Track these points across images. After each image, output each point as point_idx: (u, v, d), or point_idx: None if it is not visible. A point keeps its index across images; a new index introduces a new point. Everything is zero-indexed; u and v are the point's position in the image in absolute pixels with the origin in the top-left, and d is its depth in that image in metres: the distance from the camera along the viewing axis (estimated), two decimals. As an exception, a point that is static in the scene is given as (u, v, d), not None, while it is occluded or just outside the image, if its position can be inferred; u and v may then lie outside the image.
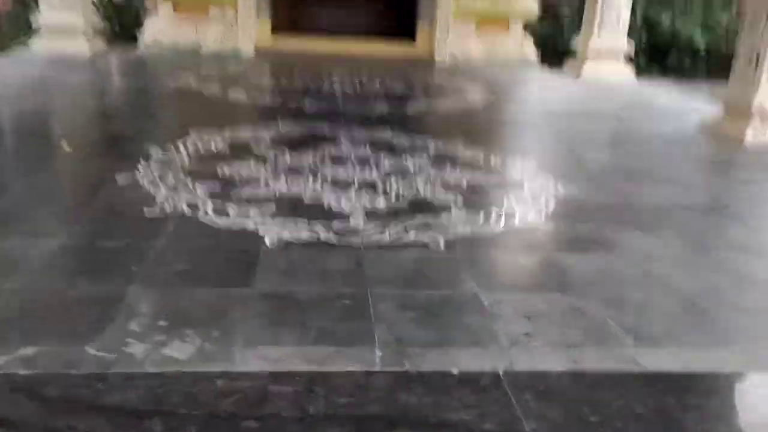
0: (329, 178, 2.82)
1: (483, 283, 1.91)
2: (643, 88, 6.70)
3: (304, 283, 1.84)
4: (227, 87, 4.94)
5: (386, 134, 3.70)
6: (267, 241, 2.13)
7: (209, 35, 7.00)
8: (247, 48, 6.97)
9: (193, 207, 2.37)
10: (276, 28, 7.44)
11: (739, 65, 4.25)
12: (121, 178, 2.63)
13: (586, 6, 6.81)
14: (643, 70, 7.79)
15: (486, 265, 2.08)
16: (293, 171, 2.88)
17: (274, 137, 3.48)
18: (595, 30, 6.56)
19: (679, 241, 2.38)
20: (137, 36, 7.05)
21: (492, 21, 7.39)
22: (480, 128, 4.30)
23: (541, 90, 6.03)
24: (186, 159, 2.97)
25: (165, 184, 2.60)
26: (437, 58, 7.19)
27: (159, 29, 7.00)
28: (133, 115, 3.96)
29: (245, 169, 2.87)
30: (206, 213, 2.32)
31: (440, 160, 3.22)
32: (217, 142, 3.31)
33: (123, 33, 8.03)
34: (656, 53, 9.27)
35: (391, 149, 3.38)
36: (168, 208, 2.35)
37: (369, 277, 1.92)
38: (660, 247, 2.31)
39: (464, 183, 2.87)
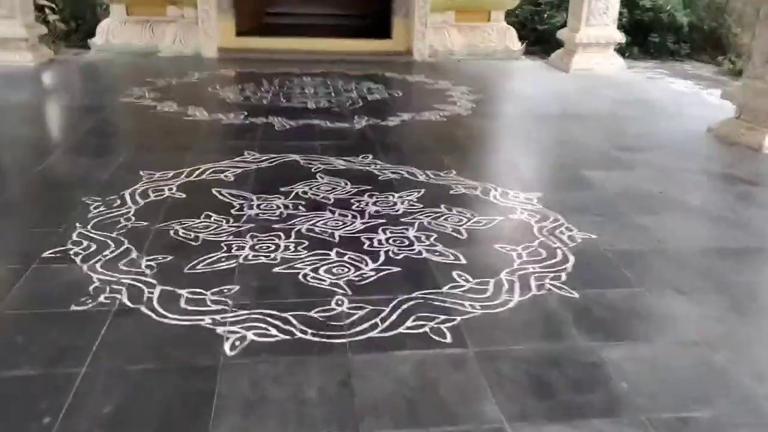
0: (304, 233, 2.37)
1: (509, 402, 1.48)
2: (635, 77, 6.31)
3: (275, 425, 1.40)
4: (185, 101, 4.42)
5: (368, 162, 3.24)
6: (227, 346, 1.68)
7: (167, 37, 6.42)
8: (210, 50, 6.41)
9: (136, 293, 1.91)
10: (241, 28, 6.87)
11: (754, 63, 3.84)
12: (47, 253, 2.15)
13: (572, -5, 6.36)
14: (624, 50, 7.41)
15: (508, 368, 1.65)
16: (261, 225, 2.42)
17: (239, 174, 3.00)
18: (583, 20, 6.11)
19: (727, 307, 1.98)
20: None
21: (472, 11, 6.91)
22: (471, 144, 3.85)
23: (531, 87, 5.58)
24: (132, 215, 2.49)
25: (102, 257, 2.12)
26: (416, 53, 6.69)
27: (112, 31, 6.40)
28: (71, 150, 3.39)
29: (203, 226, 2.40)
30: (151, 304, 1.86)
31: (432, 197, 2.78)
32: (171, 185, 2.82)
33: (81, 30, 7.44)
34: (637, 32, 8.94)
35: (375, 184, 2.92)
36: (103, 298, 1.88)
37: (359, 404, 1.48)
38: (709, 321, 1.90)
39: (464, 232, 2.43)
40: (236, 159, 3.21)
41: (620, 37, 6.32)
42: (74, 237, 2.27)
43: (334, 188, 2.86)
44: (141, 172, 2.95)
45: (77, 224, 2.37)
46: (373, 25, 7.38)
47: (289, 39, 6.84)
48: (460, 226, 2.48)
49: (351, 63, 6.37)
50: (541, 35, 10.00)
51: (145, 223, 2.41)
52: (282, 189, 2.81)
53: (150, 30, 6.43)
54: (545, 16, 10.50)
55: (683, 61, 9.47)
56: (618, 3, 6.20)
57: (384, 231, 2.41)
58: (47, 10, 8.21)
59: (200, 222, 2.43)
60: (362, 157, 3.32)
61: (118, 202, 2.61)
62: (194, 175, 2.97)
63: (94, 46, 6.42)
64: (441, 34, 6.84)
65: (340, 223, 2.48)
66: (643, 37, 9.07)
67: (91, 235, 2.29)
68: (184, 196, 2.71)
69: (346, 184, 2.91)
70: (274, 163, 3.19)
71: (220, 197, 2.71)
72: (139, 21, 6.45)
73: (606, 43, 6.24)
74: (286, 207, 2.62)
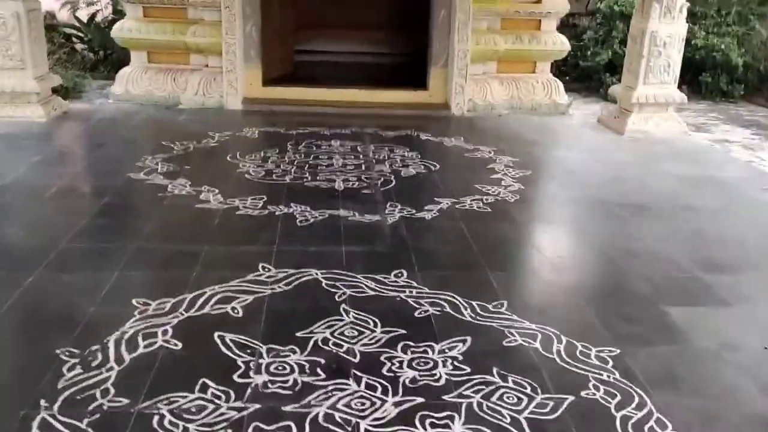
0: (321, 423, 1.87)
1: None
2: (699, 144, 5.70)
3: None
4: (200, 178, 3.99)
5: (401, 285, 2.73)
6: None
7: (189, 87, 6.03)
8: (234, 102, 6.00)
9: None
10: (268, 75, 6.46)
11: None
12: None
13: (628, 49, 5.80)
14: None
15: None
16: (268, 409, 1.93)
17: (249, 305, 2.52)
18: (641, 77, 5.54)
19: None
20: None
21: (516, 62, 6.39)
22: (522, 254, 3.33)
23: (583, 157, 5.01)
24: (111, 385, 2.01)
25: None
26: (454, 107, 6.20)
27: (132, 80, 6.03)
28: (57, 262, 2.88)
29: (196, 408, 1.91)
30: None
31: (482, 353, 2.26)
32: (166, 326, 2.35)
33: (110, 60, 7.14)
34: (688, 71, 8.36)
35: (411, 325, 2.42)
36: None
37: None
38: None
39: (524, 425, 1.91)
40: (248, 277, 2.74)
41: (681, 98, 5.73)
42: (35, 429, 1.80)
43: (360, 333, 2.35)
44: (134, 301, 2.49)
45: (42, 404, 1.90)
46: (410, 67, 6.91)
47: (318, 89, 6.39)
48: (520, 412, 1.96)
49: (384, 118, 5.91)
50: (583, 72, 9.44)
51: (126, 401, 1.93)
52: (298, 334, 2.32)
53: (172, 80, 6.05)
54: (589, 53, 9.95)
55: (737, 102, 8.89)
56: (680, 60, 5.62)
57: (423, 422, 1.89)
58: (75, 39, 7.98)
59: (194, 400, 1.95)
60: (395, 275, 2.82)
61: (99, 357, 2.14)
62: (196, 306, 2.49)
63: (112, 95, 6.06)
64: (481, 85, 6.33)
65: (367, 403, 1.97)
66: (694, 75, 8.52)
67: (57, 426, 1.82)
68: (179, 347, 2.23)
69: (376, 325, 2.41)
70: (291, 285, 2.70)
71: (223, 349, 2.22)
72: (160, 69, 6.08)
73: (665, 102, 5.66)
74: (301, 370, 2.12)
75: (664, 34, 5.44)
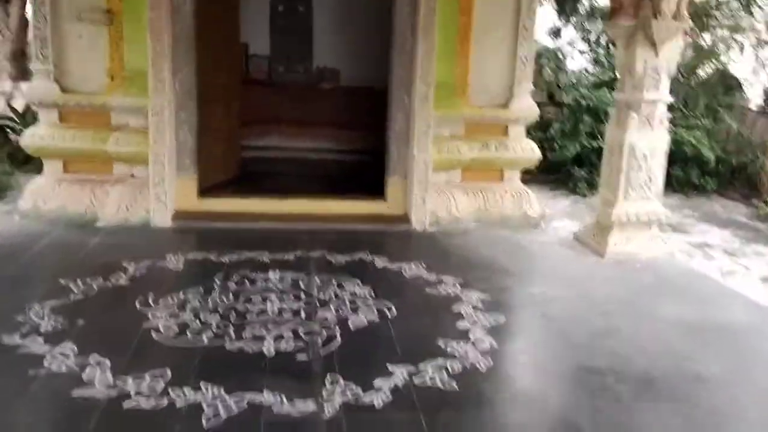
0: None
1: None
2: (690, 271, 5.08)
3: None
4: (90, 343, 3.15)
5: None
6: None
7: (110, 202, 5.23)
8: (161, 218, 5.21)
9: None
10: (205, 183, 5.73)
11: None
12: None
13: (604, 160, 5.24)
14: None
15: None
16: None
17: None
18: (620, 192, 4.96)
19: None
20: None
21: (482, 170, 5.79)
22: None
23: (568, 296, 4.25)
24: None
25: None
26: (414, 221, 5.52)
27: (43, 194, 5.23)
28: None
29: None
30: None
31: None
32: None
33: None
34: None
35: None
36: None
37: None
38: None
39: None
40: None
41: (665, 214, 5.15)
42: None
43: None
44: None
45: None
46: (370, 166, 6.28)
47: (262, 200, 5.66)
48: None
49: (337, 234, 5.20)
50: (551, 164, 9.03)
51: None
52: None
53: (91, 192, 5.25)
54: (556, 146, 9.55)
55: (709, 196, 8.50)
56: (662, 173, 5.07)
57: None
58: (8, 130, 7.22)
59: None
60: None
61: None
62: None
63: (19, 212, 5.23)
64: (445, 196, 5.69)
65: None
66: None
67: None
68: None
69: None
70: None
71: None
72: (77, 180, 5.29)
73: (648, 221, 5.06)
74: None
75: (645, 147, 4.90)
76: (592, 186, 8.93)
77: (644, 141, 4.90)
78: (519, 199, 5.85)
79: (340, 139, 7.79)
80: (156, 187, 5.15)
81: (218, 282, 4.06)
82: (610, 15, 4.98)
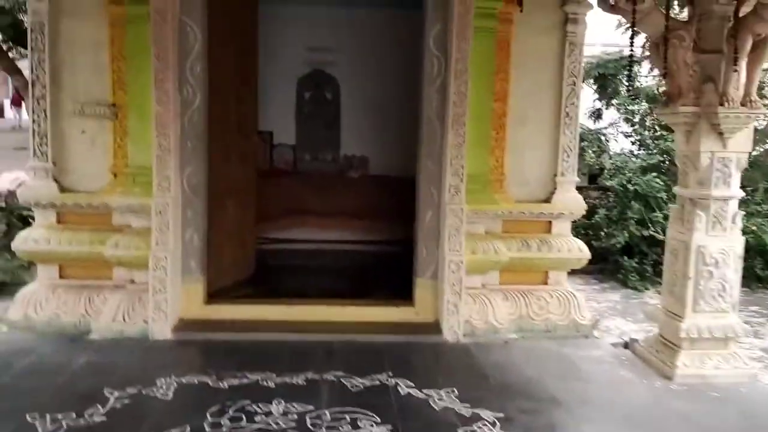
0: None
1: None
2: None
3: None
4: None
5: None
6: None
7: (106, 310, 4.71)
8: (161, 330, 4.65)
9: None
10: (214, 286, 5.20)
11: None
12: None
13: (666, 264, 4.52)
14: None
15: None
16: None
17: None
18: (689, 303, 4.22)
19: None
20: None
21: (523, 271, 5.13)
22: None
23: (630, 428, 3.50)
24: None
25: None
26: (446, 331, 4.83)
27: (35, 302, 4.74)
28: None
29: None
30: None
31: None
32: None
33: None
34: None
35: None
36: None
37: None
38: None
39: None
40: None
41: (744, 331, 4.36)
42: None
43: None
44: None
45: None
46: (397, 261, 5.67)
47: (274, 306, 5.07)
48: None
49: (357, 347, 4.55)
50: (597, 253, 8.33)
51: None
52: None
53: (86, 300, 4.76)
54: (602, 233, 8.82)
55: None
56: (739, 280, 4.31)
57: None
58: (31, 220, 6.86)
59: None
60: None
61: None
62: None
63: (7, 322, 4.74)
64: (481, 302, 5.01)
65: None
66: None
67: None
68: None
69: None
70: None
71: None
72: (73, 287, 4.81)
73: (724, 337, 4.27)
74: None
75: (716, 251, 4.18)
76: (644, 278, 8.18)
77: (715, 244, 4.19)
78: (566, 304, 5.13)
79: (368, 230, 7.29)
80: (156, 295, 4.62)
81: (210, 419, 3.42)
82: (665, 100, 4.39)
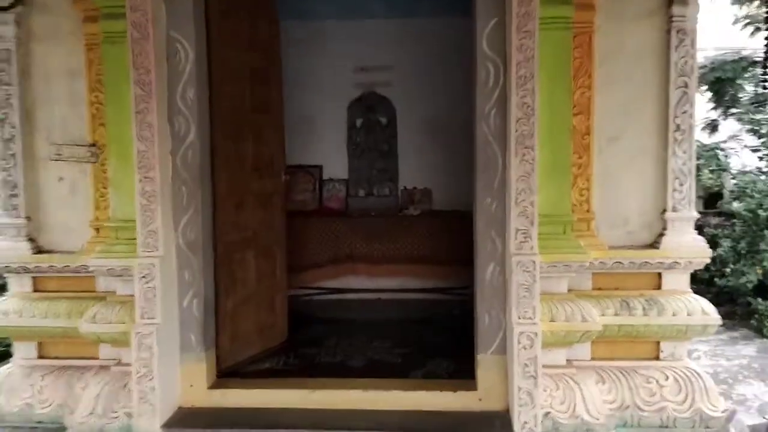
0: None
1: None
2: None
3: None
4: None
5: None
6: None
7: (86, 397, 3.80)
8: (149, 425, 3.66)
9: None
10: (227, 362, 4.21)
11: None
12: None
13: None
14: None
15: None
16: None
17: None
18: None
19: None
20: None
21: (624, 341, 3.77)
22: None
23: None
24: None
25: None
26: (517, 427, 3.55)
27: (7, 388, 3.91)
28: None
29: None
30: None
31: None
32: None
33: None
34: None
35: None
36: None
37: None
38: None
39: None
40: None
41: None
42: None
43: None
44: None
45: None
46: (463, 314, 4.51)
47: (300, 390, 3.98)
48: None
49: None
50: (722, 292, 6.87)
51: None
52: None
53: (66, 385, 3.86)
54: (728, 270, 7.25)
55: None
56: None
57: None
58: None
59: None
60: None
61: None
62: None
63: (-25, 412, 3.93)
64: (566, 386, 3.69)
65: None
66: None
67: None
68: None
69: None
70: None
71: None
72: (52, 369, 3.94)
73: None
74: None
75: None
76: None
77: None
78: (688, 387, 3.71)
79: (431, 275, 6.18)
80: (141, 382, 3.64)
81: None
82: None
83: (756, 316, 6.86)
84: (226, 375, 4.20)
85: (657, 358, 3.78)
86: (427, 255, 6.16)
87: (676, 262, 3.70)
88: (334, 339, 5.17)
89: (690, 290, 3.79)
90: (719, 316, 3.71)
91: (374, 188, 6.71)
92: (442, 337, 5.15)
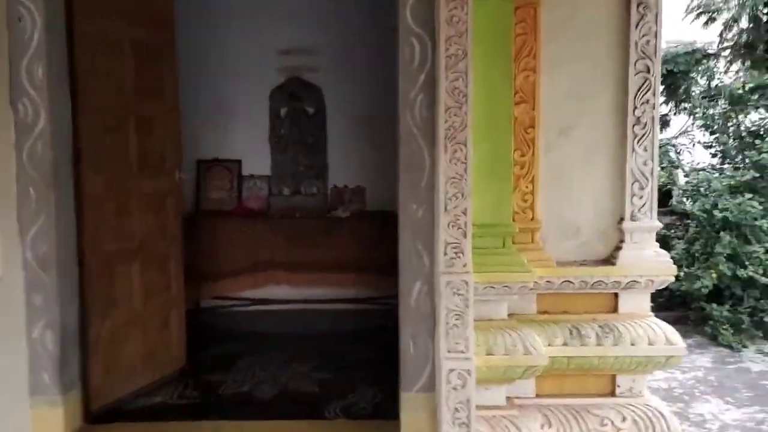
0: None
1: None
2: None
3: None
4: None
5: None
6: None
7: None
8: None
9: None
10: (108, 400, 3.45)
11: None
12: None
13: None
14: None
15: None
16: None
17: None
18: None
19: None
20: None
21: (575, 375, 3.16)
22: None
23: None
24: None
25: None
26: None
27: None
28: None
29: None
30: None
31: None
32: None
33: None
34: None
35: None
36: None
37: None
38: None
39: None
40: None
41: None
42: None
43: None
44: None
45: None
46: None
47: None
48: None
49: None
50: (675, 296, 6.52)
51: None
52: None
53: None
54: (682, 273, 6.82)
55: None
56: None
57: None
58: None
59: None
60: None
61: None
62: None
63: None
64: (503, 428, 3.05)
65: None
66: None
67: None
68: None
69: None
70: None
71: None
72: None
73: None
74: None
75: None
76: (740, 330, 6.26)
77: None
78: (648, 428, 3.12)
79: (364, 283, 5.47)
80: (-30, 438, 2.84)
81: None
82: None
83: (710, 322, 6.48)
84: (100, 417, 3.44)
85: (612, 393, 3.18)
86: (358, 261, 5.46)
87: (635, 281, 3.10)
88: (246, 360, 4.49)
89: (651, 313, 3.20)
90: (684, 345, 3.13)
91: (300, 186, 5.97)
92: (372, 354, 4.56)
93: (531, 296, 3.13)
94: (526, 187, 3.10)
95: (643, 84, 3.06)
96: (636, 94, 3.06)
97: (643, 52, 3.05)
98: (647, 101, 3.05)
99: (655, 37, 3.05)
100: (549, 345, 3.06)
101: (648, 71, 3.05)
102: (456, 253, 2.90)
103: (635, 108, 3.06)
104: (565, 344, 3.07)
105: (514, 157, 3.05)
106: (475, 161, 2.90)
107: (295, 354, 4.65)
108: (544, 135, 3.11)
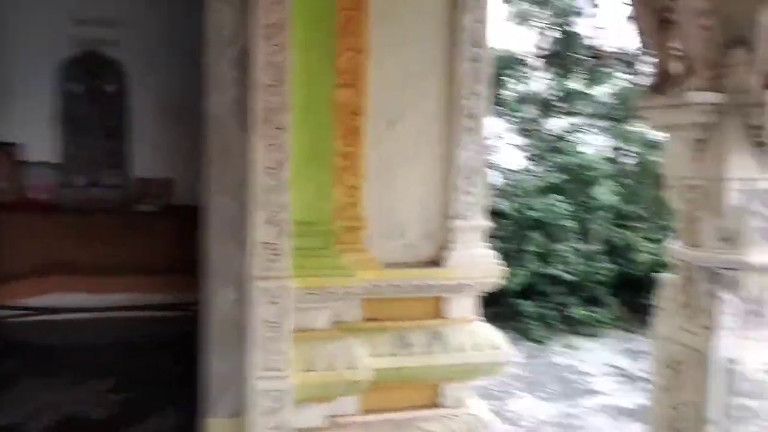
0: None
1: None
2: None
3: None
4: None
5: None
6: None
7: None
8: None
9: None
10: None
11: None
12: None
13: (656, 383, 2.43)
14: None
15: None
16: None
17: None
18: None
19: None
20: None
21: (400, 387, 2.91)
22: None
23: None
24: None
25: None
26: None
27: None
28: None
29: None
30: None
31: None
32: None
33: None
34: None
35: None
36: None
37: None
38: None
39: None
40: None
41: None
42: None
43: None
44: None
45: None
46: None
47: None
48: None
49: None
50: (488, 293, 6.64)
51: None
52: None
53: None
54: None
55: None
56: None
57: None
58: None
59: None
60: None
61: None
62: None
63: None
64: None
65: None
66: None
67: None
68: None
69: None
70: None
71: None
72: None
73: None
74: None
75: (758, 367, 2.16)
76: (548, 325, 6.52)
77: (756, 355, 2.15)
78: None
79: (171, 288, 4.89)
80: None
81: None
82: (656, 83, 2.29)
83: (521, 318, 6.72)
84: None
85: (435, 404, 2.98)
86: (165, 262, 4.86)
87: (464, 284, 2.92)
88: (26, 381, 3.76)
89: (478, 317, 3.05)
90: (510, 351, 3.02)
91: (98, 177, 5.20)
92: (180, 369, 3.99)
93: (356, 301, 2.84)
94: (351, 180, 2.79)
95: (472, 73, 2.88)
96: (465, 84, 2.88)
97: (473, 39, 2.88)
98: (477, 93, 2.89)
99: (484, 23, 2.89)
100: (375, 356, 2.78)
101: (477, 60, 2.89)
102: (274, 254, 2.51)
103: (465, 99, 2.88)
104: (392, 354, 2.81)
105: (338, 146, 2.72)
106: (295, 150, 2.53)
107: (90, 371, 4.01)
108: (374, 125, 2.82)
